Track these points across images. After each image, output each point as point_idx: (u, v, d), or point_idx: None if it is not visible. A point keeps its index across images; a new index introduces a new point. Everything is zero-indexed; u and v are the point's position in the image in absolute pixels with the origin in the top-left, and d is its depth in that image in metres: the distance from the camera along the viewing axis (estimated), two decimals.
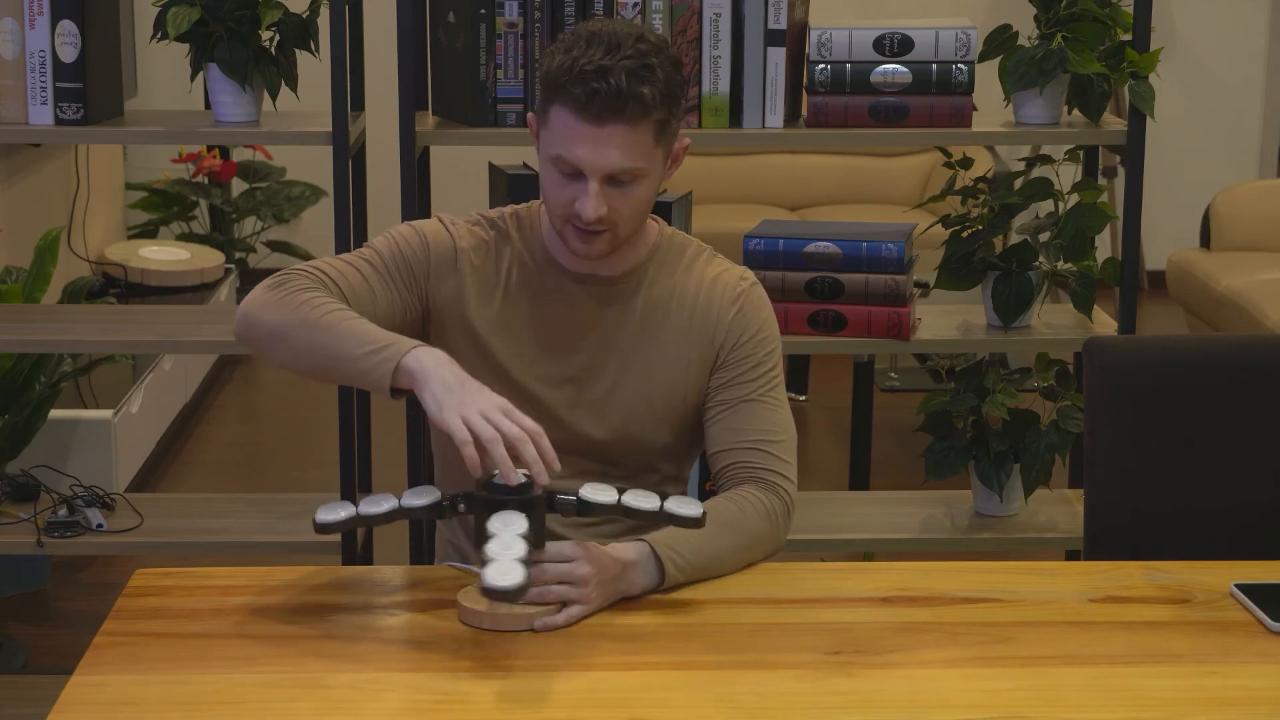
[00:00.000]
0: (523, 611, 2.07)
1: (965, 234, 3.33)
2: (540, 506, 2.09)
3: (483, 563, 2.00)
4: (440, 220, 2.40)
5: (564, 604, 2.09)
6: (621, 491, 2.14)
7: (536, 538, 2.09)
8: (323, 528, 2.12)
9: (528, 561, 2.00)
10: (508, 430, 2.06)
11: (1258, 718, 1.91)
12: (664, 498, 2.14)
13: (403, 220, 3.20)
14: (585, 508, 2.12)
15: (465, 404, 2.08)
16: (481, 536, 2.05)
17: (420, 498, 2.12)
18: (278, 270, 2.29)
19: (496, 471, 2.08)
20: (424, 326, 2.37)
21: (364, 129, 3.47)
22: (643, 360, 2.37)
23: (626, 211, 2.27)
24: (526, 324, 2.37)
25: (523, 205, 2.43)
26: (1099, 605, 2.18)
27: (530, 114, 2.31)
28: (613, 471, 2.37)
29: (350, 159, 3.27)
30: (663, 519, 2.12)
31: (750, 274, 2.43)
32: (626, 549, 2.16)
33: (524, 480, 2.09)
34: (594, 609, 2.10)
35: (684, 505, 2.12)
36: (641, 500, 2.12)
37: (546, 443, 2.08)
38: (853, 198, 7.06)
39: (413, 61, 3.22)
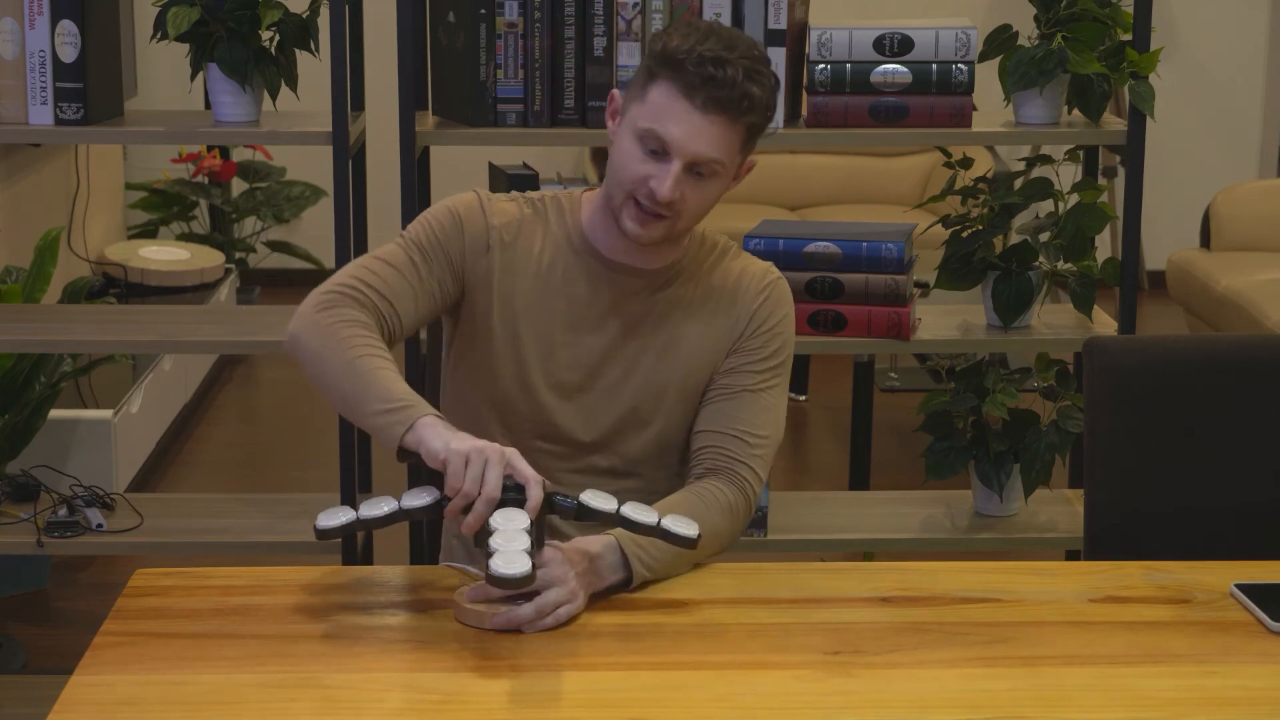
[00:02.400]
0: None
1: (965, 234, 3.33)
2: (538, 507, 2.10)
3: (488, 555, 2.01)
4: (477, 195, 2.41)
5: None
6: (622, 501, 2.14)
7: (536, 538, 2.10)
8: (323, 533, 2.12)
9: (532, 554, 2.01)
10: (486, 489, 2.06)
11: (1258, 718, 1.91)
12: (661, 514, 2.13)
13: (402, 221, 3.21)
14: (584, 513, 2.13)
15: (465, 440, 2.10)
16: (484, 533, 2.05)
17: (420, 498, 2.13)
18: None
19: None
20: (460, 305, 2.40)
21: (364, 129, 3.47)
22: (662, 354, 2.38)
23: (693, 204, 2.29)
24: (553, 304, 2.38)
25: (564, 191, 2.45)
26: (1099, 605, 2.18)
27: (614, 92, 2.34)
28: (626, 466, 2.39)
29: (350, 159, 3.27)
30: (659, 535, 2.12)
31: (776, 269, 2.45)
32: (592, 541, 2.17)
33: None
34: (580, 606, 2.11)
35: (681, 524, 2.12)
36: (640, 514, 2.12)
37: (535, 492, 2.08)
38: (853, 198, 7.06)
39: (413, 61, 3.22)
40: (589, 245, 2.39)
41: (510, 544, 2.01)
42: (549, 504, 2.12)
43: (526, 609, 2.07)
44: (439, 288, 2.36)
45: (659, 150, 2.25)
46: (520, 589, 2.01)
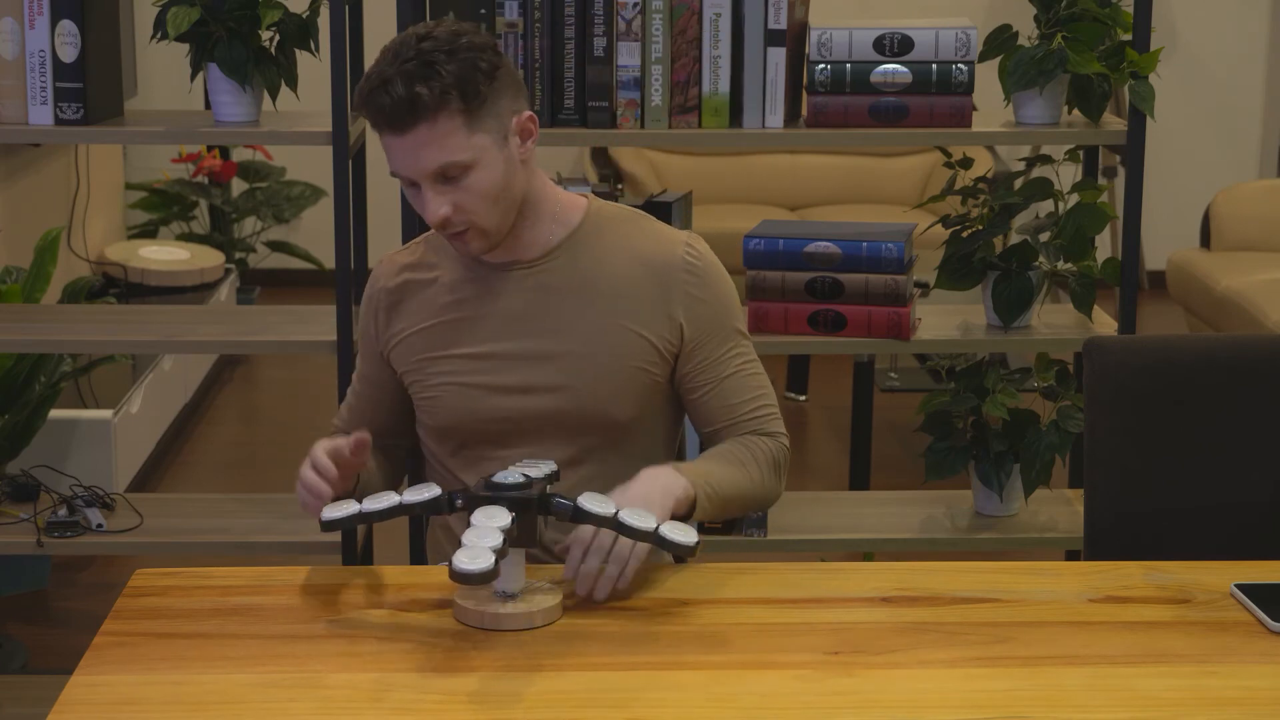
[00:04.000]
0: (522, 611, 2.08)
1: (965, 234, 3.33)
2: (532, 507, 2.10)
3: (456, 549, 2.03)
4: (374, 269, 2.51)
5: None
6: (619, 507, 2.14)
7: (527, 537, 2.11)
8: (328, 525, 2.16)
9: (500, 552, 2.02)
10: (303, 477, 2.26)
11: (1258, 718, 1.91)
12: (659, 521, 2.14)
13: (401, 221, 3.22)
14: (580, 515, 2.13)
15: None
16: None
17: (420, 494, 2.15)
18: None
19: (508, 468, 2.17)
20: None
21: (364, 129, 3.47)
22: (588, 331, 2.39)
23: (473, 204, 2.29)
24: (461, 323, 2.41)
25: None
26: (1099, 605, 2.18)
27: None
28: (580, 454, 2.40)
29: (350, 159, 3.27)
30: (655, 541, 2.13)
31: (694, 236, 2.45)
32: (659, 470, 2.23)
33: (520, 480, 2.12)
34: (645, 546, 2.15)
35: (678, 532, 2.13)
36: (637, 519, 2.12)
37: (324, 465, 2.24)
38: (853, 198, 7.06)
39: None
40: (475, 257, 2.41)
41: (481, 540, 2.03)
42: (545, 505, 2.13)
43: (591, 562, 2.13)
44: (394, 384, 2.48)
45: (410, 183, 2.30)
46: (480, 584, 2.02)
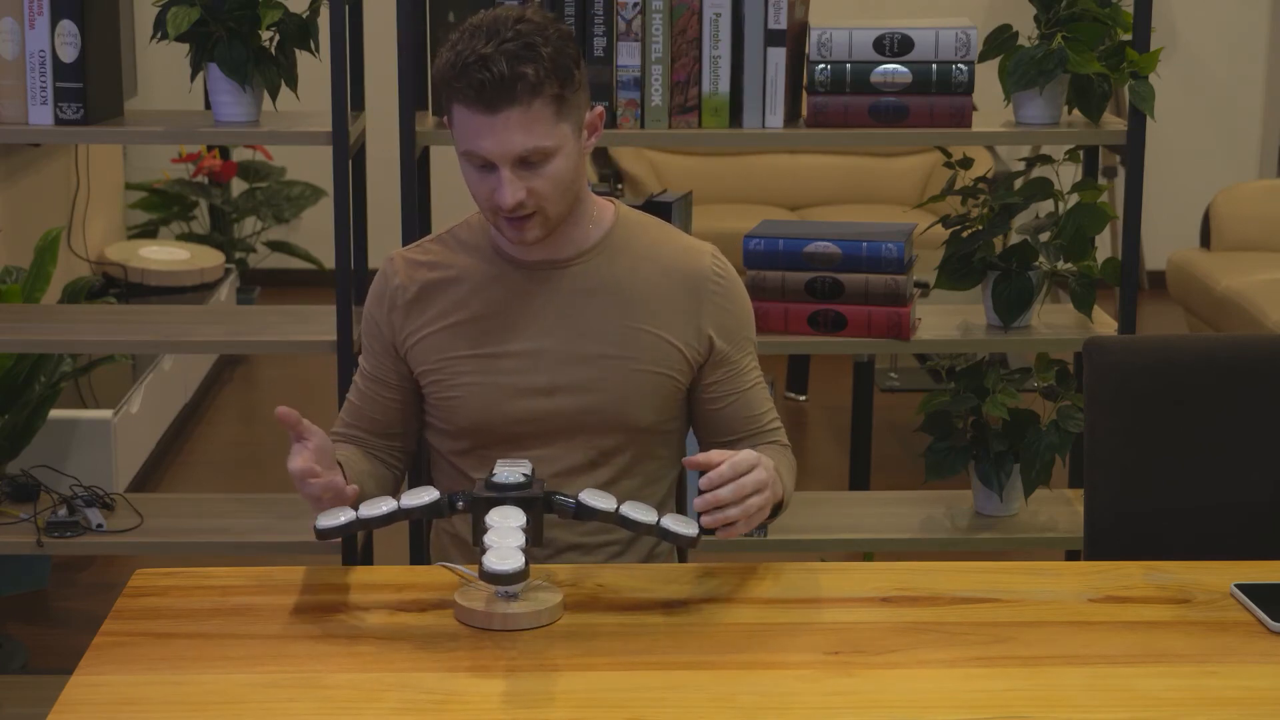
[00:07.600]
0: (522, 610, 2.08)
1: (965, 234, 3.33)
2: (537, 506, 2.11)
3: (481, 552, 2.03)
4: (386, 261, 2.47)
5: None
6: (621, 501, 2.15)
7: (534, 536, 2.11)
8: (324, 533, 2.14)
9: (526, 551, 2.03)
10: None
11: (1258, 718, 1.91)
12: (661, 514, 2.15)
13: (402, 221, 3.22)
14: (583, 512, 2.13)
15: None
16: (480, 531, 2.07)
17: (419, 498, 2.14)
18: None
19: (495, 470, 2.15)
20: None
21: (364, 129, 3.47)
22: (619, 335, 2.39)
23: (548, 191, 2.29)
24: (484, 323, 2.40)
25: (477, 211, 2.45)
26: (1099, 605, 2.18)
27: (445, 118, 2.34)
28: (598, 457, 2.40)
29: (350, 159, 3.27)
30: (659, 534, 2.14)
31: (716, 250, 2.47)
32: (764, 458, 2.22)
33: (521, 479, 2.12)
34: (769, 499, 2.20)
35: (680, 524, 2.14)
36: (639, 513, 2.13)
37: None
38: (853, 198, 7.06)
39: (413, 61, 3.22)
40: (503, 254, 2.41)
41: (504, 540, 2.04)
42: (547, 503, 2.14)
43: (725, 491, 2.12)
44: (405, 384, 2.45)
45: (485, 165, 2.27)
46: (512, 584, 2.03)
